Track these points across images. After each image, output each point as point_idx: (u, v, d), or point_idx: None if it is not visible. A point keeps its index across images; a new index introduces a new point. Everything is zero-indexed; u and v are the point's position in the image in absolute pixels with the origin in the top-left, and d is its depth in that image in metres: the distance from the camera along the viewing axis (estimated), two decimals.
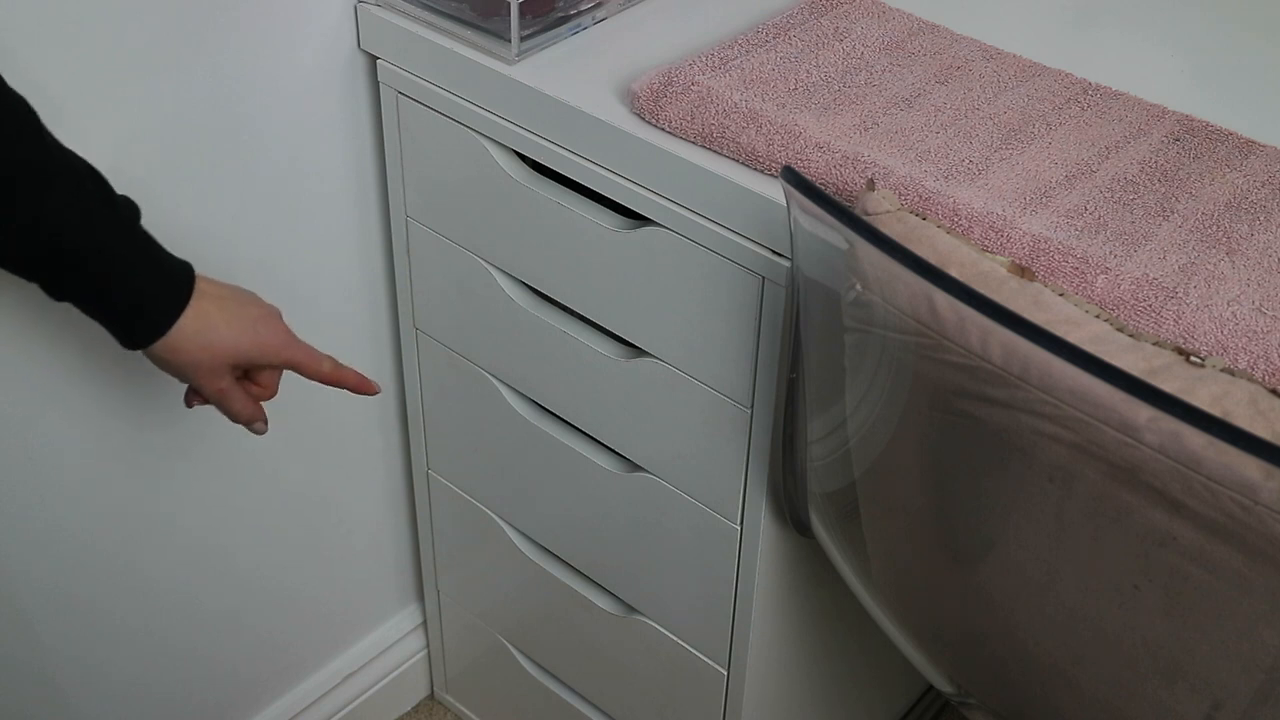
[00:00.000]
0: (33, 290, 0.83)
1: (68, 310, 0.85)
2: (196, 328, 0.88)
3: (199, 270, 0.90)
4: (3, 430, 1.00)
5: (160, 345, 0.87)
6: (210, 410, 0.97)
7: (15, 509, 1.03)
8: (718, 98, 0.90)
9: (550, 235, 1.03)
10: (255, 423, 0.96)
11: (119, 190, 0.85)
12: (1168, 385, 0.65)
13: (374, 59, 1.09)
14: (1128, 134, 0.90)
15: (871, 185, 0.80)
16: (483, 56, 1.00)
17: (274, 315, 0.95)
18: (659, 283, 0.97)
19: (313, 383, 1.22)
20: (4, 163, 0.78)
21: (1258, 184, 0.85)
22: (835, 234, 0.74)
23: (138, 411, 1.08)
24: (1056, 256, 0.79)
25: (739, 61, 0.94)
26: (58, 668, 1.14)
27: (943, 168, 0.85)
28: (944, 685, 0.94)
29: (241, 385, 0.94)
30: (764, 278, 0.90)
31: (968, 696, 0.93)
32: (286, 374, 1.18)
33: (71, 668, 1.15)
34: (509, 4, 0.96)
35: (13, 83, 0.79)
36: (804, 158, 0.86)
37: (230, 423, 0.95)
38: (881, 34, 0.99)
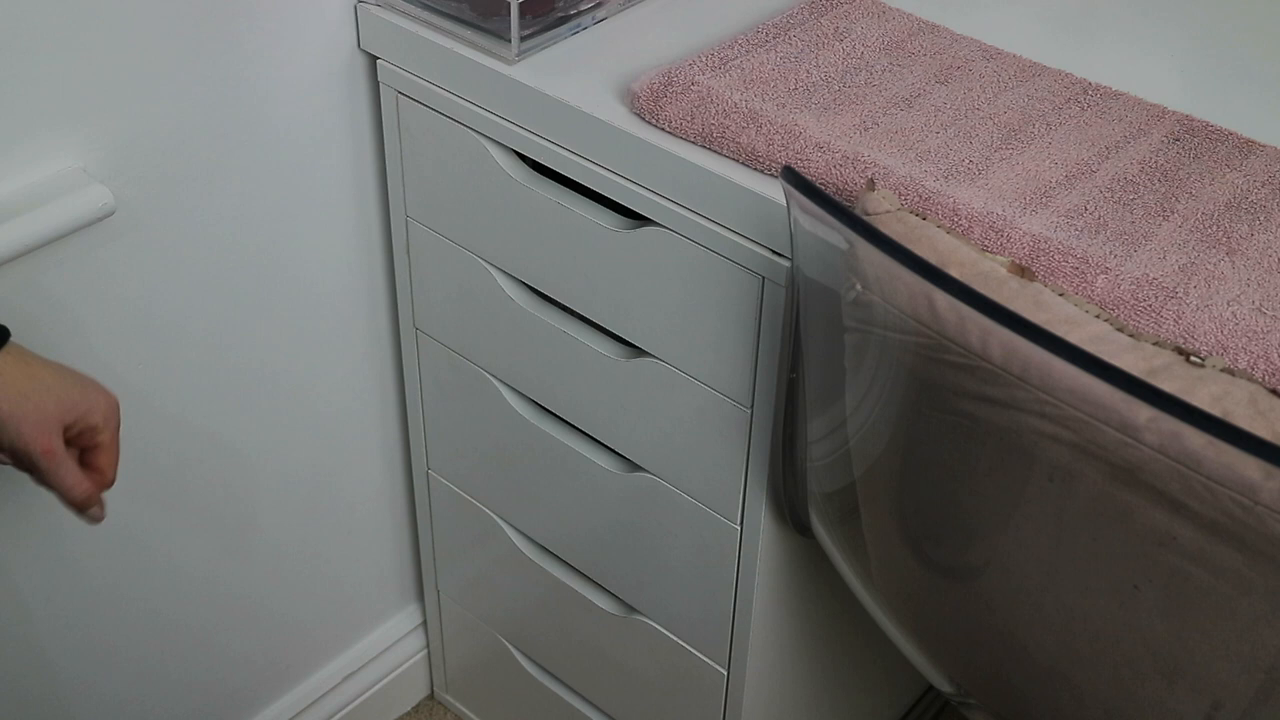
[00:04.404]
0: None
1: None
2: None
3: None
4: None
5: None
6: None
7: (13, 509, 1.03)
8: (718, 98, 0.90)
9: (550, 235, 1.03)
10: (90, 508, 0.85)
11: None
12: (1168, 385, 0.65)
13: (374, 59, 1.09)
14: (1128, 134, 0.90)
15: (871, 185, 0.80)
16: (483, 56, 1.00)
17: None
18: (659, 283, 0.97)
19: (311, 385, 1.23)
20: None
21: (1258, 184, 0.85)
22: (835, 234, 0.74)
23: (142, 409, 1.08)
24: (1056, 256, 0.79)
25: (739, 61, 0.94)
26: (57, 662, 1.14)
27: (943, 168, 0.85)
28: (944, 685, 0.94)
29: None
30: (764, 278, 0.90)
31: (968, 696, 0.93)
32: (286, 368, 1.19)
33: (69, 663, 1.15)
34: (509, 4, 0.96)
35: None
36: (804, 158, 0.86)
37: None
38: (881, 34, 0.98)
